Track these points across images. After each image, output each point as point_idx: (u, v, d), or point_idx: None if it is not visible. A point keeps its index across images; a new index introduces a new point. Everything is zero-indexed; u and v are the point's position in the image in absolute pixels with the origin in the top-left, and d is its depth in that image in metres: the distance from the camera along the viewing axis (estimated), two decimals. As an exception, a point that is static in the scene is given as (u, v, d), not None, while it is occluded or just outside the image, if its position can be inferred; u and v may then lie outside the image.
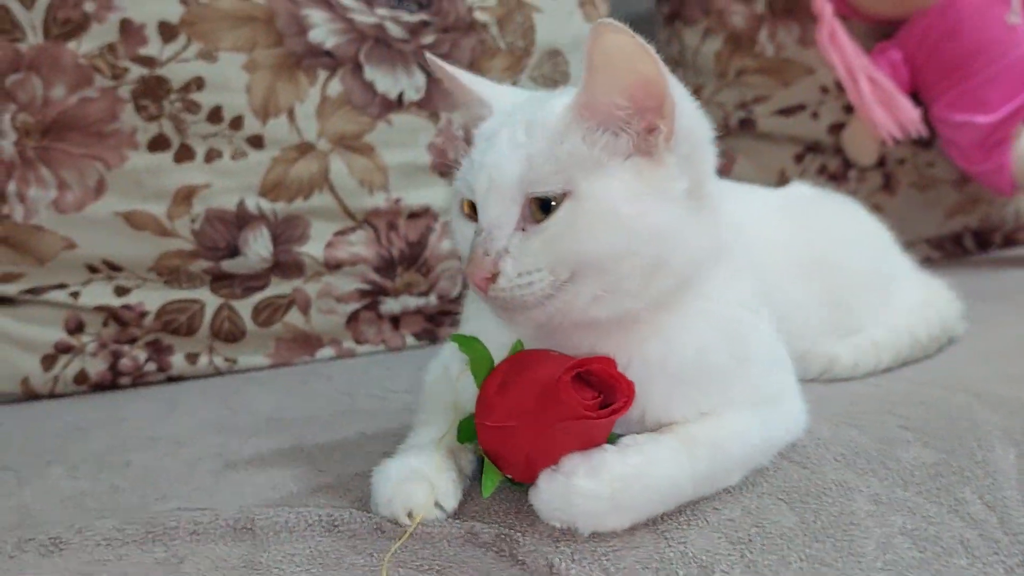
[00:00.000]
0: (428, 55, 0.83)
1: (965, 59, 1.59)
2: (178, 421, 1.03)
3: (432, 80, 1.36)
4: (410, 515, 0.65)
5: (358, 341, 1.33)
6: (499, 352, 0.71)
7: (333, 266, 1.29)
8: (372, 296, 1.32)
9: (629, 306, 0.68)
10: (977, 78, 1.58)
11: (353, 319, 1.32)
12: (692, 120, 0.70)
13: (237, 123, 1.25)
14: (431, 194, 1.35)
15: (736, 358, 0.72)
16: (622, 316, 0.68)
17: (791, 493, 0.69)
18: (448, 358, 0.84)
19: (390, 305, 1.33)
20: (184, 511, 0.70)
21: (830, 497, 0.69)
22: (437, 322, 1.37)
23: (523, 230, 0.68)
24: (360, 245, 1.30)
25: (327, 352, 1.31)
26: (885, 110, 1.60)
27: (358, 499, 0.71)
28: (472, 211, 0.72)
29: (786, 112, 1.77)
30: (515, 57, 1.45)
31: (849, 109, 1.71)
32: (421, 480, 0.67)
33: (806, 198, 1.06)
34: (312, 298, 1.29)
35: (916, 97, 1.67)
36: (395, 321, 1.35)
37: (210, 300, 1.25)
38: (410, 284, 1.33)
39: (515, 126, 0.70)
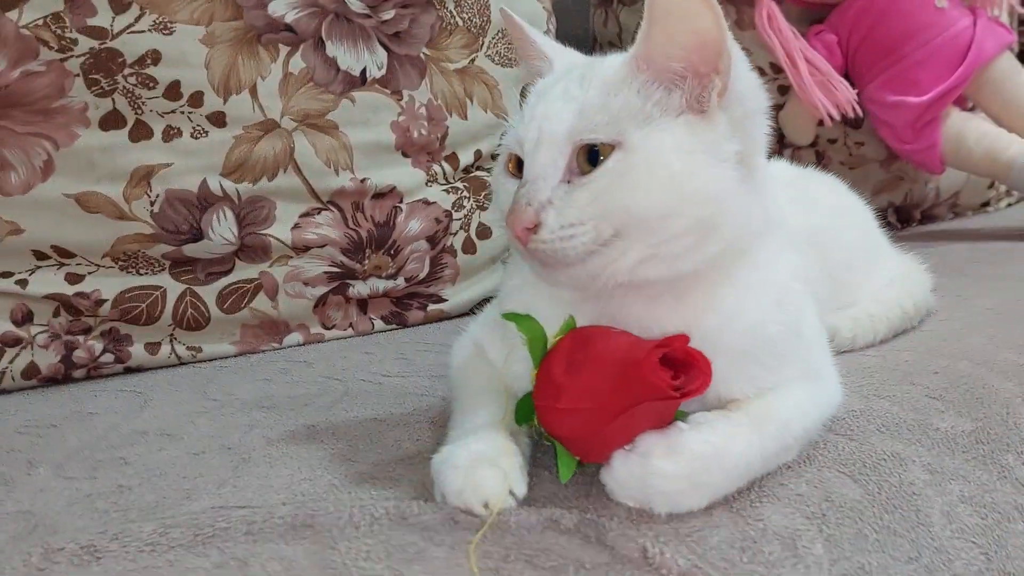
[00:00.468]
0: (501, 8, 0.80)
1: (897, 42, 1.65)
2: (157, 413, 0.97)
3: (394, 56, 1.32)
4: (485, 505, 0.62)
5: (325, 326, 1.28)
6: (548, 328, 0.69)
7: (301, 249, 1.24)
8: (340, 279, 1.28)
9: (678, 269, 0.66)
10: (908, 60, 1.64)
11: (320, 303, 1.27)
12: (748, 85, 0.69)
13: (197, 100, 1.18)
14: (396, 174, 1.32)
15: (791, 332, 0.72)
16: (671, 280, 0.67)
17: (848, 465, 0.70)
18: (479, 336, 0.82)
19: (358, 288, 1.29)
20: (231, 509, 0.65)
21: (886, 468, 0.70)
22: (404, 305, 1.34)
23: (569, 182, 0.66)
24: (327, 227, 1.25)
25: (295, 338, 1.26)
26: (823, 91, 1.65)
27: (412, 488, 0.68)
28: (517, 169, 0.71)
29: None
30: (472, 35, 1.42)
31: (785, 90, 1.75)
32: (491, 466, 0.63)
33: (794, 175, 1.07)
34: (279, 282, 1.24)
35: (849, 79, 1.73)
36: (362, 305, 1.31)
37: (171, 286, 1.19)
38: (378, 266, 1.29)
39: (570, 81, 0.69)
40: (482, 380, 0.76)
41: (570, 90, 0.68)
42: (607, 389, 0.62)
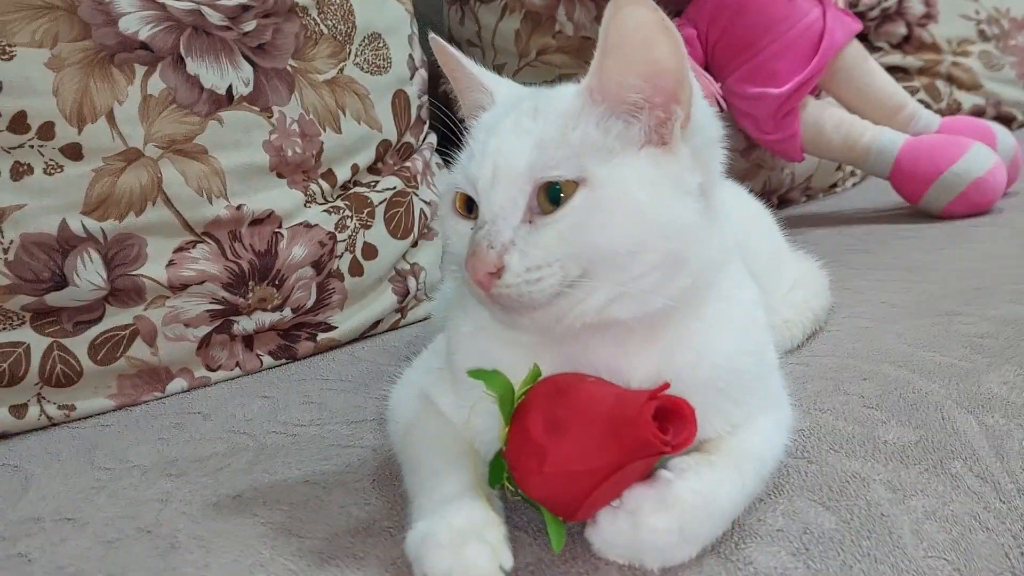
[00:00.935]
0: (432, 36, 0.74)
1: (755, 35, 1.68)
2: (45, 493, 0.86)
3: (260, 71, 1.24)
4: None
5: (210, 368, 1.19)
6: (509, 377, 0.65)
7: (178, 287, 1.14)
8: (223, 316, 1.18)
9: (648, 306, 0.63)
10: (766, 52, 1.68)
11: (203, 344, 1.18)
12: (703, 114, 0.67)
13: (47, 131, 1.06)
14: (272, 197, 1.23)
15: (759, 362, 0.71)
16: (641, 318, 0.64)
17: (816, 492, 0.70)
18: (425, 387, 0.76)
19: (243, 324, 1.20)
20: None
21: (851, 490, 0.70)
22: (292, 337, 1.26)
23: (530, 222, 0.62)
24: (205, 261, 1.16)
25: (179, 384, 1.16)
26: (688, 85, 1.66)
27: (382, 567, 0.63)
28: (465, 208, 0.67)
29: (588, 90, 1.79)
30: (338, 42, 1.35)
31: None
32: (478, 542, 0.58)
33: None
34: (158, 325, 1.13)
35: (710, 72, 1.75)
36: (248, 341, 1.22)
37: (35, 341, 1.07)
38: (263, 299, 1.21)
39: (521, 113, 0.65)
40: (441, 440, 0.71)
41: (522, 123, 0.65)
42: (597, 449, 0.58)
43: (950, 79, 2.49)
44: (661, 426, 0.59)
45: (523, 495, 0.62)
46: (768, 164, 1.91)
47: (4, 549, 0.75)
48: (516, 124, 0.65)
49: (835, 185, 2.11)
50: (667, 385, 0.61)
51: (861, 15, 2.32)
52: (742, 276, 0.73)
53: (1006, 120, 2.51)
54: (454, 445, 0.70)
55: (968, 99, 2.47)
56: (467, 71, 0.74)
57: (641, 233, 0.61)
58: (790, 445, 0.73)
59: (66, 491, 0.86)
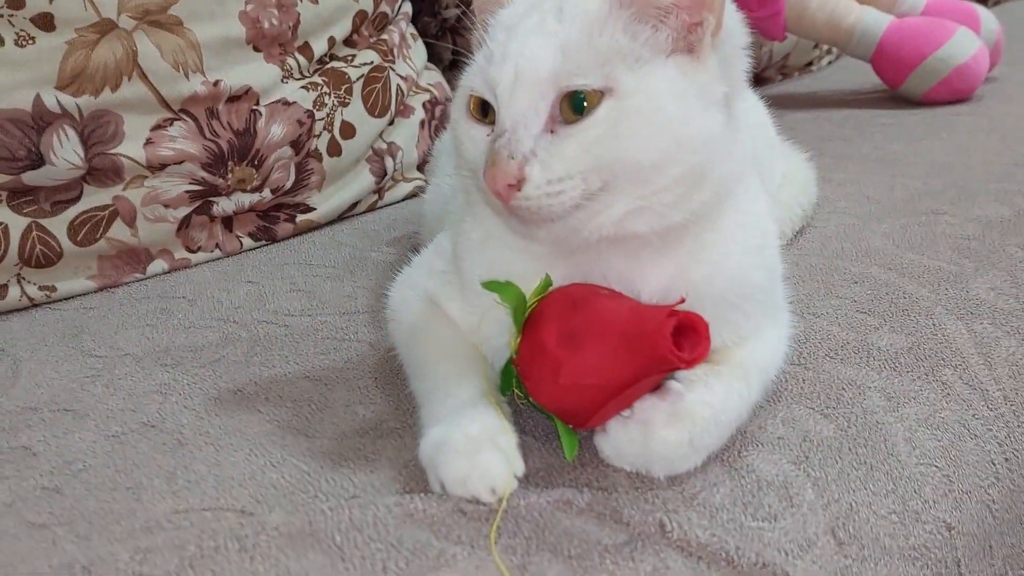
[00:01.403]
0: None
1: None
2: (38, 380, 0.85)
3: (238, -65, 1.17)
4: (491, 491, 0.59)
5: (190, 249, 1.17)
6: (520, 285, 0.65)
7: (157, 167, 1.11)
8: (203, 197, 1.16)
9: (669, 220, 0.62)
10: (753, -73, 1.63)
11: (183, 225, 1.15)
12: (732, 22, 0.65)
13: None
14: (249, 72, 1.19)
15: (769, 274, 0.72)
16: (660, 231, 0.63)
17: (814, 399, 0.72)
18: (431, 289, 0.75)
19: (223, 205, 1.18)
20: (208, 517, 0.59)
21: (848, 398, 0.72)
22: (271, 219, 1.24)
23: (552, 132, 0.60)
24: (183, 140, 1.12)
25: (159, 265, 1.14)
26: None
27: (393, 468, 0.64)
28: (480, 112, 0.65)
29: None
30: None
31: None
32: (493, 449, 0.59)
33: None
34: (137, 206, 1.10)
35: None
36: (227, 223, 1.20)
37: (13, 220, 1.04)
38: (242, 180, 1.18)
39: (545, 13, 0.62)
40: (450, 345, 0.71)
41: (547, 24, 0.62)
42: (614, 364, 0.59)
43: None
44: (676, 341, 0.60)
45: (535, 403, 0.63)
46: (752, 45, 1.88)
47: (6, 440, 0.74)
48: (540, 25, 0.62)
49: (810, 64, 2.10)
50: (683, 300, 0.61)
51: None
52: (756, 187, 0.73)
53: (981, -1, 2.49)
54: (464, 351, 0.70)
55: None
56: None
57: (668, 146, 0.59)
58: (790, 353, 0.75)
59: (59, 379, 0.85)
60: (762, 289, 0.70)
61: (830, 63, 2.14)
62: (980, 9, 1.77)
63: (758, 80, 1.98)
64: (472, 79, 0.65)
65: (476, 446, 0.60)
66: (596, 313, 0.61)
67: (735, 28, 0.66)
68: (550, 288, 0.65)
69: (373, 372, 0.81)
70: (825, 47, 2.10)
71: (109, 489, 0.66)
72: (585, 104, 0.60)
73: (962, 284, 0.88)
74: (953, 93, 1.60)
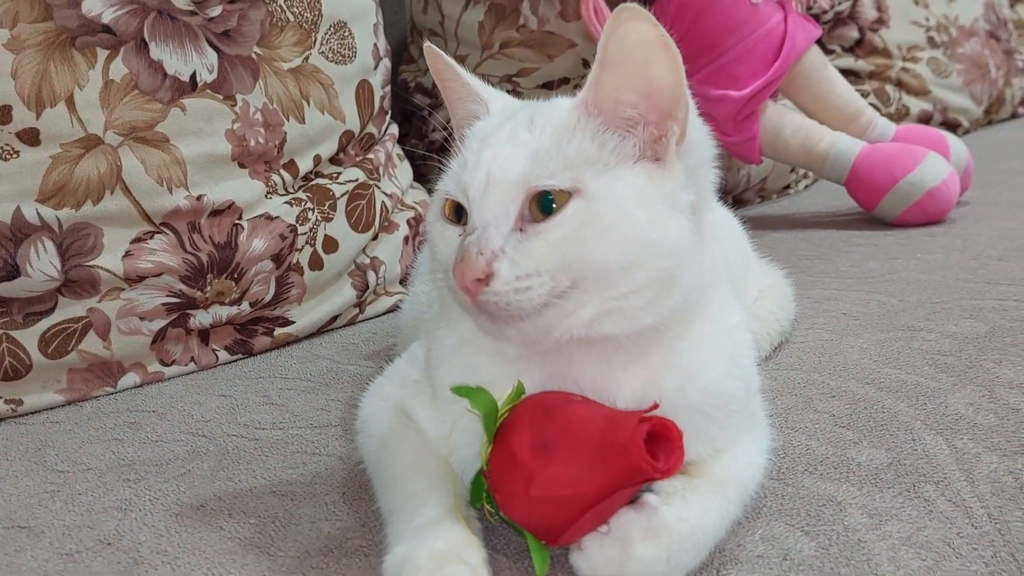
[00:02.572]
0: (427, 44, 0.72)
1: (717, 37, 1.68)
2: (-6, 494, 0.83)
3: (225, 58, 1.20)
4: None
5: (164, 363, 1.16)
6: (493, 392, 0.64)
7: (134, 279, 1.10)
8: (180, 310, 1.15)
9: (638, 323, 0.62)
10: (728, 55, 1.68)
11: (158, 338, 1.14)
12: (698, 132, 0.67)
13: (4, 115, 1.03)
14: (233, 187, 1.20)
15: (744, 384, 0.71)
16: (630, 335, 0.63)
17: (793, 516, 0.70)
18: (401, 399, 0.74)
19: (200, 318, 1.17)
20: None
21: (828, 515, 0.70)
22: (249, 332, 1.23)
23: (521, 231, 0.61)
24: (163, 252, 1.12)
25: (131, 379, 1.13)
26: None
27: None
28: (455, 215, 0.66)
29: (550, 85, 1.79)
30: (304, 30, 1.32)
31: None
32: (456, 564, 0.58)
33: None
34: (111, 318, 1.10)
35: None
36: (203, 335, 1.19)
37: (-16, 332, 1.03)
38: (221, 292, 1.18)
39: (517, 124, 0.65)
40: (419, 458, 0.69)
41: (518, 134, 0.64)
42: (587, 474, 0.58)
43: (899, 84, 2.54)
44: (650, 450, 0.59)
45: (505, 518, 0.61)
46: (724, 165, 1.92)
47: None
48: (512, 135, 0.64)
49: (788, 187, 2.13)
50: (656, 406, 0.60)
51: (815, 17, 2.34)
52: (729, 298, 0.73)
53: (952, 126, 2.57)
54: (432, 466, 0.68)
55: (916, 104, 2.53)
56: (463, 80, 0.73)
57: (634, 249, 0.60)
58: (769, 467, 0.74)
59: (17, 494, 0.83)
60: (736, 400, 0.69)
61: (807, 187, 2.18)
62: (949, 136, 1.81)
63: (737, 201, 2.01)
64: (447, 184, 0.67)
65: (440, 563, 0.58)
66: (568, 421, 0.60)
67: (701, 140, 0.67)
68: (523, 396, 0.64)
69: (341, 487, 0.79)
70: (802, 171, 2.14)
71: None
72: (554, 205, 0.61)
73: (940, 399, 0.87)
74: (926, 216, 1.63)
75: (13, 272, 1.02)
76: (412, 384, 0.75)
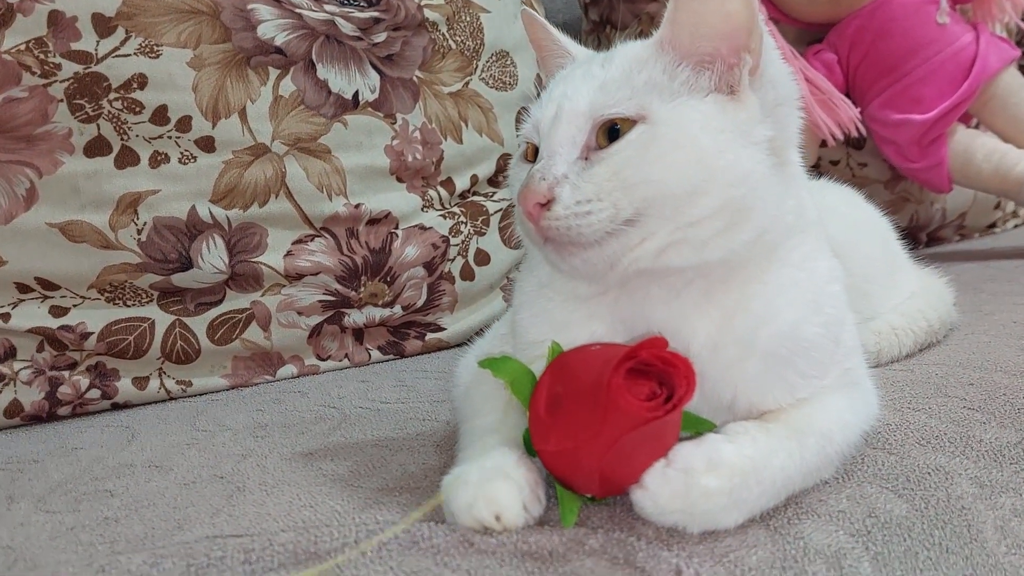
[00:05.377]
0: (523, 7, 0.77)
1: (899, 59, 1.62)
2: (145, 445, 0.92)
3: (387, 80, 1.29)
4: (497, 518, 0.57)
5: (320, 357, 1.24)
6: (564, 335, 0.64)
7: (294, 277, 1.19)
8: (335, 308, 1.23)
9: (706, 255, 0.61)
10: (911, 77, 1.62)
11: (314, 333, 1.22)
12: (780, 71, 0.66)
13: (184, 124, 1.15)
14: (391, 199, 1.28)
15: (830, 336, 0.67)
16: (698, 268, 0.62)
17: (891, 480, 0.65)
18: (486, 352, 0.77)
19: (354, 317, 1.24)
20: (227, 538, 0.60)
21: (932, 482, 0.65)
22: (401, 335, 1.29)
23: (586, 159, 0.62)
24: (321, 254, 1.21)
25: (289, 370, 1.21)
26: (825, 110, 1.62)
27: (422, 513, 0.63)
28: (535, 156, 0.67)
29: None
30: (466, 57, 1.40)
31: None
32: (505, 479, 0.58)
33: (811, 186, 1.02)
34: (272, 312, 1.19)
35: (850, 98, 1.70)
36: (358, 335, 1.26)
37: (160, 318, 1.14)
38: (374, 294, 1.25)
39: (592, 63, 0.66)
40: (491, 400, 0.70)
41: (592, 71, 0.65)
42: (586, 423, 0.56)
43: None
44: (659, 385, 0.57)
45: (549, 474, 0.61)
46: (915, 197, 1.83)
47: (95, 485, 0.80)
48: (586, 72, 0.66)
49: (993, 225, 1.99)
50: (657, 339, 0.58)
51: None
52: (820, 249, 0.69)
53: None
54: (501, 406, 0.69)
55: None
56: (554, 38, 0.75)
57: (699, 173, 0.59)
58: (868, 432, 0.69)
59: (163, 446, 0.91)
60: (817, 347, 0.65)
61: (1016, 226, 2.02)
62: None
63: (932, 239, 1.90)
64: (524, 126, 0.69)
65: (488, 476, 0.58)
66: (572, 371, 0.59)
67: (781, 78, 0.66)
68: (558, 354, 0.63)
69: (438, 442, 0.81)
70: (1011, 207, 1.99)
71: (160, 519, 0.69)
72: (620, 132, 0.61)
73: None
74: None
75: (187, 264, 1.14)
76: (500, 337, 0.77)
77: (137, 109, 1.12)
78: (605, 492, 0.60)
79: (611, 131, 0.62)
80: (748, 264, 0.64)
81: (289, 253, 1.19)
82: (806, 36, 1.75)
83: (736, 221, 0.61)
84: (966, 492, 0.64)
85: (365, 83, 1.27)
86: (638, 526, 0.59)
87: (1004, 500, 0.64)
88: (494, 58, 1.44)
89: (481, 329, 0.98)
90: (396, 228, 1.27)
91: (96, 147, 1.11)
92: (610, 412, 0.55)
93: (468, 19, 1.41)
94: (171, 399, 1.15)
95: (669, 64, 0.63)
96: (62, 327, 1.10)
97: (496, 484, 0.58)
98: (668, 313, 0.64)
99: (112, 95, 1.11)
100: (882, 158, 1.74)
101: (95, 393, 1.12)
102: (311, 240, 1.21)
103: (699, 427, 0.62)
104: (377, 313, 1.26)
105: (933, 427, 0.74)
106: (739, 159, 0.61)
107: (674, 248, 0.61)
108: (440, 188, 1.35)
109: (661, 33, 0.64)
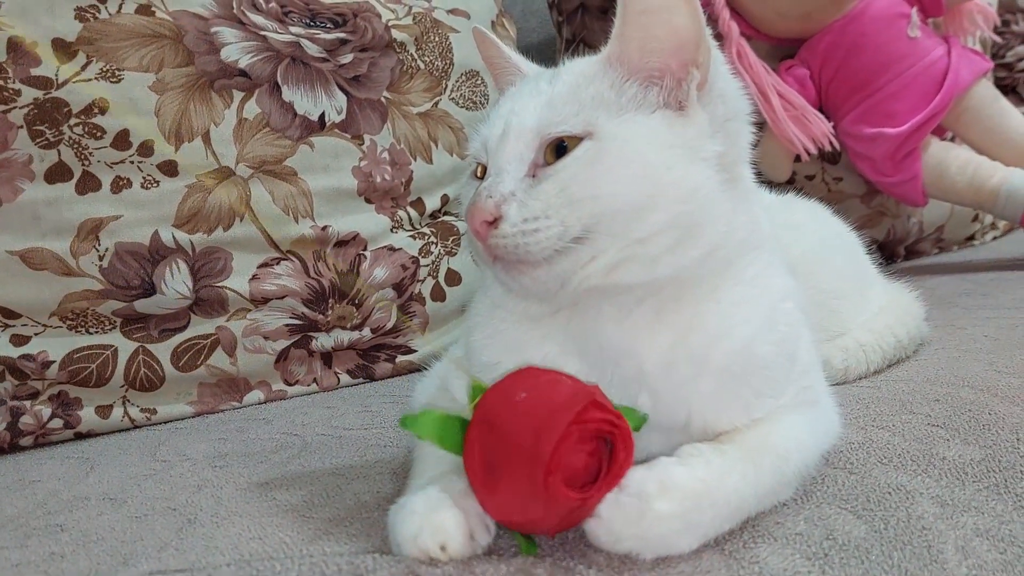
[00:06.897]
0: (475, 26, 0.77)
1: (871, 74, 1.62)
2: (103, 477, 0.90)
3: (354, 101, 1.28)
4: (442, 548, 0.55)
5: (288, 382, 1.22)
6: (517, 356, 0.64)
7: (260, 301, 1.18)
8: (302, 332, 1.21)
9: (656, 272, 0.60)
10: (884, 92, 1.61)
11: (282, 358, 1.21)
12: (729, 85, 0.65)
13: (147, 149, 1.14)
14: (359, 220, 1.27)
15: (784, 354, 0.66)
16: (650, 283, 0.61)
17: (850, 501, 0.64)
18: (443, 373, 0.76)
19: (322, 341, 1.23)
20: (169, 573, 0.59)
21: (892, 502, 0.63)
22: (371, 358, 1.28)
23: (533, 176, 0.62)
24: (287, 277, 1.20)
25: (256, 395, 1.20)
26: (798, 126, 1.62)
27: (370, 543, 0.62)
28: (484, 175, 0.66)
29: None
30: (435, 78, 1.39)
31: (760, 127, 1.71)
32: (451, 508, 0.56)
33: (776, 201, 1.02)
34: (238, 337, 1.17)
35: (824, 113, 1.70)
36: (327, 358, 1.25)
37: (123, 345, 1.13)
38: (342, 317, 1.23)
39: (540, 79, 0.66)
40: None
41: (540, 87, 0.65)
42: (527, 503, 0.54)
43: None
44: (602, 444, 0.56)
45: None
46: (891, 211, 1.82)
47: (47, 520, 0.78)
48: (533, 88, 0.65)
49: (972, 237, 1.98)
50: (592, 393, 0.55)
51: (1008, 66, 2.20)
52: (774, 265, 0.69)
53: None
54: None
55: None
56: (505, 55, 0.75)
57: (646, 189, 0.59)
58: (828, 452, 0.68)
59: (120, 478, 0.89)
60: (771, 365, 0.65)
61: (995, 238, 2.01)
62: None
63: (910, 252, 1.89)
64: (473, 144, 0.68)
65: (434, 506, 0.57)
66: (504, 436, 0.55)
67: (731, 92, 0.65)
68: (482, 394, 0.59)
69: (395, 469, 0.80)
70: (989, 220, 1.98)
71: (107, 554, 0.67)
72: (567, 149, 0.61)
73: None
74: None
75: (149, 290, 1.12)
76: (455, 360, 0.75)
77: (98, 134, 1.11)
78: (560, 530, 0.58)
79: (559, 148, 0.61)
80: (701, 281, 0.63)
81: (255, 277, 1.18)
82: (778, 52, 1.75)
83: (686, 237, 0.60)
84: (927, 512, 0.63)
85: (332, 104, 1.27)
86: (589, 553, 0.57)
87: (966, 519, 0.63)
88: (464, 78, 1.43)
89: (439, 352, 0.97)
90: (364, 250, 1.26)
91: (57, 173, 1.09)
92: (551, 503, 0.53)
93: (437, 39, 1.41)
94: (135, 427, 1.13)
95: (617, 80, 0.63)
96: (23, 356, 1.08)
97: (442, 514, 0.56)
98: (621, 332, 0.63)
99: (72, 120, 1.10)
100: (857, 172, 1.74)
101: (57, 423, 1.10)
102: (277, 263, 1.20)
103: (632, 418, 0.59)
104: (346, 336, 1.24)
105: (896, 445, 0.72)
106: (687, 174, 0.60)
107: (624, 265, 0.60)
108: (410, 208, 1.34)
109: (609, 49, 0.64)
